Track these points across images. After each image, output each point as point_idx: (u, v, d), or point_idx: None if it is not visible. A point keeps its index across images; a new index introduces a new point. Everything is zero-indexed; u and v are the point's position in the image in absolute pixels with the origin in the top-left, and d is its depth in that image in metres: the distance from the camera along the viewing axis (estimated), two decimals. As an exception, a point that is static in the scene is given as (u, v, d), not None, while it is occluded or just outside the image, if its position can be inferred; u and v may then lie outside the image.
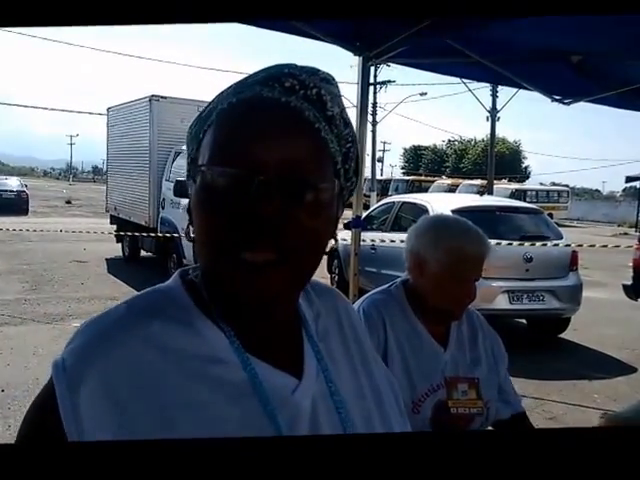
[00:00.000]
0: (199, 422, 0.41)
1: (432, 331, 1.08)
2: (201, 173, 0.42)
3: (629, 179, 11.93)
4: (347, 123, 0.46)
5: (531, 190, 21.00)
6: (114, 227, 8.84)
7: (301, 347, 0.49)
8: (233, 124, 0.43)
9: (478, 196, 6.24)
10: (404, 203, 5.31)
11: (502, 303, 4.44)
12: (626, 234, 17.46)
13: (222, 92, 0.46)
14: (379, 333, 1.05)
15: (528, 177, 34.50)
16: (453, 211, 4.73)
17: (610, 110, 3.28)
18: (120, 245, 8.50)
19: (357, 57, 2.52)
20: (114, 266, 7.80)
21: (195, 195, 0.43)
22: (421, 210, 4.97)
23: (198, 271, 0.48)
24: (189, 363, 0.43)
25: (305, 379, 0.47)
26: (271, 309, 0.45)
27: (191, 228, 0.45)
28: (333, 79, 0.46)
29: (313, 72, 0.45)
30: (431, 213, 4.88)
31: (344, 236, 5.15)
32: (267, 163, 0.41)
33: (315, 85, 0.44)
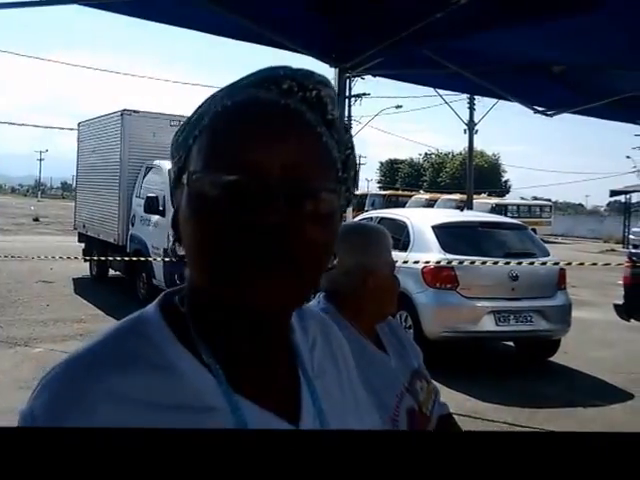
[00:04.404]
0: None
1: (370, 340, 1.06)
2: (196, 181, 0.39)
3: (613, 193, 12.09)
4: (346, 128, 0.45)
5: (512, 205, 21.22)
6: (82, 245, 8.59)
7: (296, 385, 0.46)
8: (229, 127, 0.40)
9: (459, 211, 6.11)
10: (382, 219, 5.13)
11: (488, 325, 4.25)
12: (613, 250, 17.67)
13: (213, 96, 0.44)
14: None
15: (508, 191, 35.05)
16: (434, 227, 4.58)
17: (592, 122, 3.23)
18: (88, 264, 8.20)
19: (333, 69, 2.46)
20: (81, 286, 7.53)
21: (188, 206, 0.40)
22: (401, 226, 4.80)
23: (183, 293, 0.45)
24: (170, 416, 0.39)
25: (302, 426, 0.44)
26: (271, 321, 0.42)
27: (177, 245, 0.43)
28: (329, 82, 0.44)
29: (309, 74, 0.43)
30: (411, 229, 4.69)
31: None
32: (269, 167, 0.38)
33: (314, 87, 0.42)
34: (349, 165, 0.45)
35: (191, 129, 0.43)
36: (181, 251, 0.43)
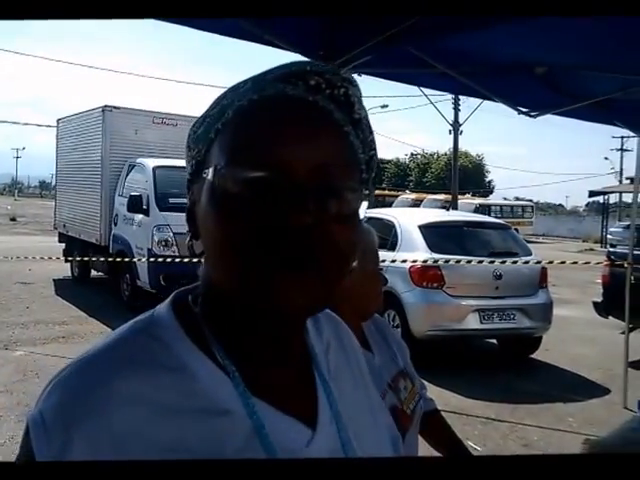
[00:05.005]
0: None
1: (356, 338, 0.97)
2: (222, 176, 0.38)
3: (592, 193, 12.41)
4: (371, 129, 0.44)
5: (495, 205, 21.55)
6: (62, 246, 8.39)
7: (312, 388, 0.45)
8: (257, 122, 0.39)
9: (445, 211, 6.19)
10: (370, 219, 5.14)
11: (473, 323, 4.31)
12: (592, 250, 18.11)
13: (235, 88, 0.42)
14: None
15: (492, 192, 35.55)
16: (421, 227, 4.62)
17: (572, 124, 3.30)
18: (69, 265, 8.04)
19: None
20: (62, 287, 7.36)
21: (212, 202, 0.39)
22: (388, 226, 4.83)
23: (196, 293, 0.43)
24: (185, 420, 0.38)
25: (320, 429, 0.42)
26: (292, 323, 0.42)
27: (194, 242, 0.42)
28: (355, 80, 0.42)
29: (335, 71, 0.42)
30: (398, 229, 4.72)
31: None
32: (299, 167, 0.37)
33: (342, 85, 0.41)
34: (371, 166, 0.44)
35: (212, 122, 0.41)
36: (199, 248, 0.42)
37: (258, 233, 0.37)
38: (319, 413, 0.43)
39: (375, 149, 0.44)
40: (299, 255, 0.37)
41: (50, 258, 7.24)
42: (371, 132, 0.43)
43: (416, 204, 18.69)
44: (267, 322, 0.40)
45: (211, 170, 0.38)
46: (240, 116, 0.39)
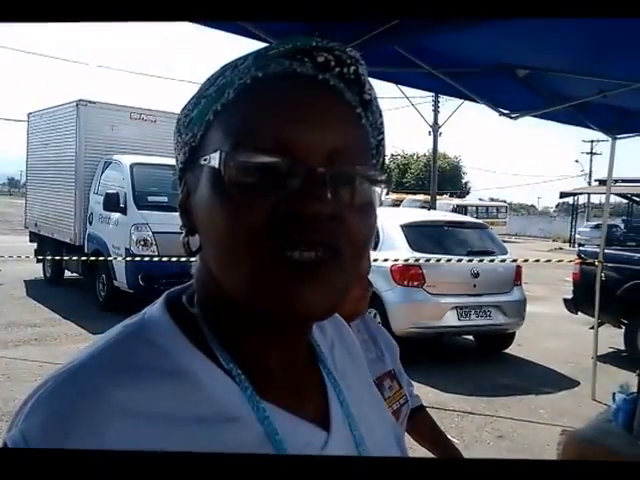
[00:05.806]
0: None
1: None
2: (228, 162, 0.34)
3: (563, 194, 12.88)
4: (380, 111, 0.40)
5: (471, 206, 22.12)
6: (34, 245, 8.14)
7: (321, 386, 0.42)
8: (265, 103, 0.35)
9: (426, 211, 6.29)
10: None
11: (451, 320, 4.41)
12: (561, 249, 18.80)
13: (233, 66, 0.37)
14: None
15: (468, 192, 36.32)
16: (403, 226, 4.69)
17: (544, 128, 3.39)
18: (41, 265, 7.79)
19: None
20: (34, 288, 7.14)
21: (214, 191, 0.35)
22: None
23: (190, 292, 0.40)
24: (190, 430, 0.34)
25: (334, 430, 0.40)
26: (304, 325, 0.39)
27: (190, 238, 0.38)
28: (362, 59, 0.38)
29: (342, 48, 0.37)
30: (380, 228, 4.79)
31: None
32: (314, 152, 0.34)
33: (351, 63, 0.37)
34: (380, 151, 0.41)
35: (210, 103, 0.37)
36: (195, 244, 0.38)
37: (272, 225, 0.33)
38: (331, 413, 0.41)
39: (384, 133, 0.40)
40: (321, 249, 0.33)
41: (19, 257, 7.00)
42: (380, 115, 0.40)
43: (396, 204, 18.90)
44: (278, 323, 0.36)
45: (216, 156, 0.34)
46: (244, 96, 0.35)
